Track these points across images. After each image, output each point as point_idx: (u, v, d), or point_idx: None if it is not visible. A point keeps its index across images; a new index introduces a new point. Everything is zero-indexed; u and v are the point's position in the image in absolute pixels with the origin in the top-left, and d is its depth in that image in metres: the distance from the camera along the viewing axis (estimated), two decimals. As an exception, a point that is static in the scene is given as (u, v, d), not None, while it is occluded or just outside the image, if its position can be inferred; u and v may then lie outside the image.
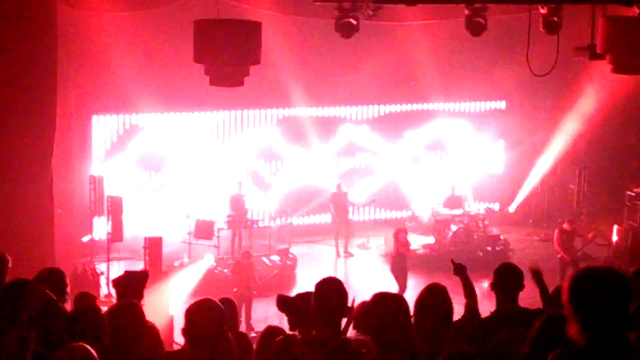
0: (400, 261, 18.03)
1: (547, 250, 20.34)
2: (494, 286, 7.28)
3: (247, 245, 20.11)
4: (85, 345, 5.12)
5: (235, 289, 16.51)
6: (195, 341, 5.36)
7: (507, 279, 7.24)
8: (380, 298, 5.60)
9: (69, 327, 6.03)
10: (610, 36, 12.79)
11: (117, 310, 6.04)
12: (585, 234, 20.20)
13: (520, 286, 7.31)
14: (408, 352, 5.36)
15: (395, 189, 24.30)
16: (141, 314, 6.01)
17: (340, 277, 6.31)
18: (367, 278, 19.78)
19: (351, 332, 6.22)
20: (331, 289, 5.80)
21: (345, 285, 5.87)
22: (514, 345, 5.55)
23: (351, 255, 22.04)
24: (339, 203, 22.00)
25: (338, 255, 21.91)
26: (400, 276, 17.80)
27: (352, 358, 5.52)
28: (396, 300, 5.60)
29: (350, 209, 22.45)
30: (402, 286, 17.52)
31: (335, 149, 23.72)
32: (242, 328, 14.75)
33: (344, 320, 5.93)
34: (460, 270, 7.74)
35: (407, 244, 18.26)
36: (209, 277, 18.58)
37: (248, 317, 16.65)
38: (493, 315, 7.20)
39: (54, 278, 7.27)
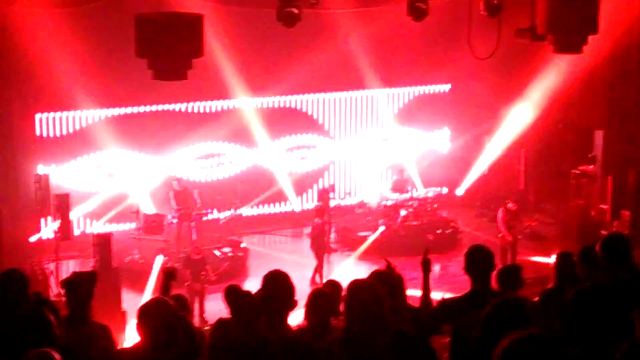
0: (320, 238, 18.33)
1: (496, 232, 20.47)
2: (466, 269, 7.35)
3: (197, 239, 20.02)
4: (49, 350, 5.07)
5: (187, 283, 16.50)
6: (148, 340, 5.35)
7: (478, 260, 7.31)
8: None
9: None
10: (550, 16, 12.84)
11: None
12: (526, 220, 20.62)
13: (491, 267, 7.39)
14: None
15: (344, 176, 24.31)
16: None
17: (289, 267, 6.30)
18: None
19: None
20: (278, 281, 5.80)
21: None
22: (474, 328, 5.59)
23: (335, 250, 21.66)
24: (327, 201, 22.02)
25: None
26: (320, 252, 18.56)
27: (298, 350, 5.53)
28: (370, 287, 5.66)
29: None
30: (320, 262, 18.48)
31: (282, 138, 23.65)
32: (196, 322, 14.74)
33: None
34: (426, 264, 7.82)
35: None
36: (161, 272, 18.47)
37: (201, 311, 16.62)
38: (467, 295, 7.28)
39: None
